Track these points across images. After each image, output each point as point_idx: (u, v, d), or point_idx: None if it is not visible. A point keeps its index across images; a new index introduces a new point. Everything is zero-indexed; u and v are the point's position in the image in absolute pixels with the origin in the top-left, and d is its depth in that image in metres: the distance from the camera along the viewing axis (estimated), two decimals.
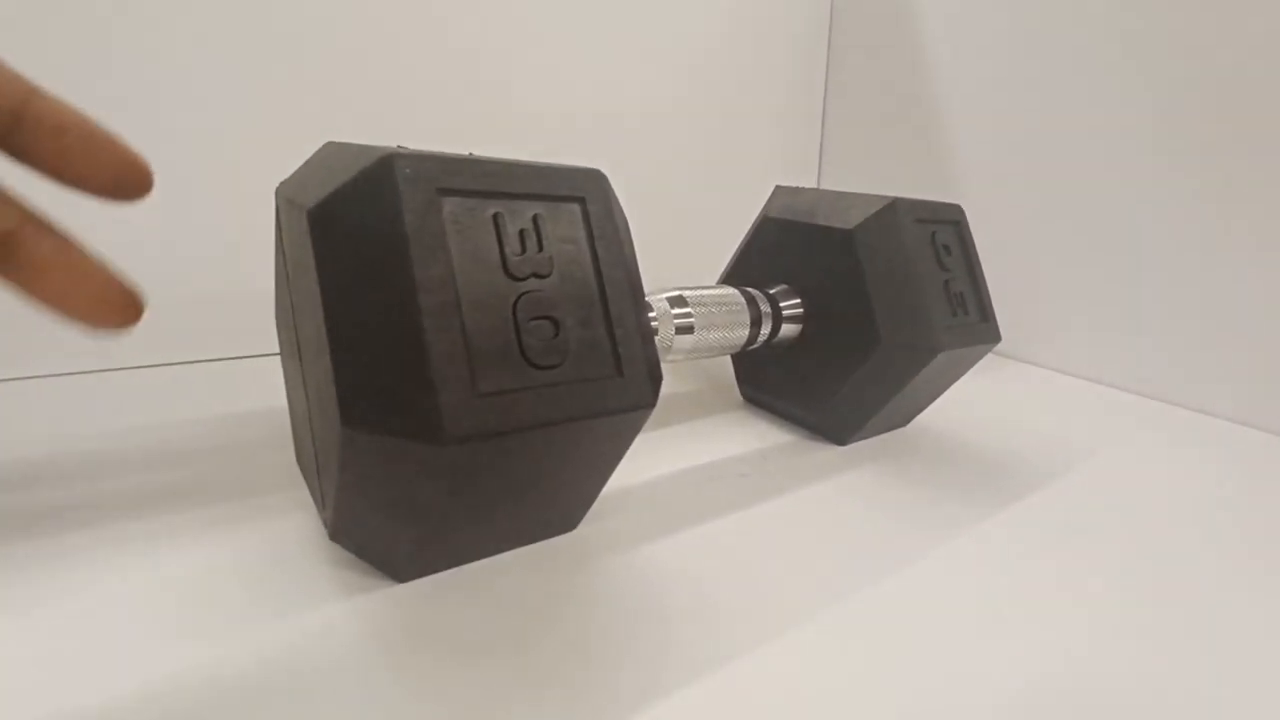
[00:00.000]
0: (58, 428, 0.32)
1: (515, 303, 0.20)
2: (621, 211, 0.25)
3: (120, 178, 0.17)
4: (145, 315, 0.18)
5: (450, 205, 0.20)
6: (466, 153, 0.23)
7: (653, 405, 0.22)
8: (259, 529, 0.25)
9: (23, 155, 0.17)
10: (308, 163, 0.24)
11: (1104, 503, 0.33)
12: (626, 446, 0.24)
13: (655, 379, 0.23)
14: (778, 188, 0.40)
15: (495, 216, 0.20)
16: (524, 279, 0.20)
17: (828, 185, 0.73)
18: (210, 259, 0.41)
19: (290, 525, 0.25)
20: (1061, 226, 0.54)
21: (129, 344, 0.39)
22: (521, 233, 0.21)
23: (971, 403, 0.45)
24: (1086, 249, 0.53)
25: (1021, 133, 0.56)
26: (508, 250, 0.20)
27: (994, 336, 0.37)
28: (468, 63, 0.48)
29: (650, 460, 0.33)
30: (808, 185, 0.70)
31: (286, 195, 0.22)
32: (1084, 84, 0.51)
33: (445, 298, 0.19)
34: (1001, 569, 0.27)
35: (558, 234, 0.22)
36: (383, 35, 0.45)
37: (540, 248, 0.21)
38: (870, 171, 0.69)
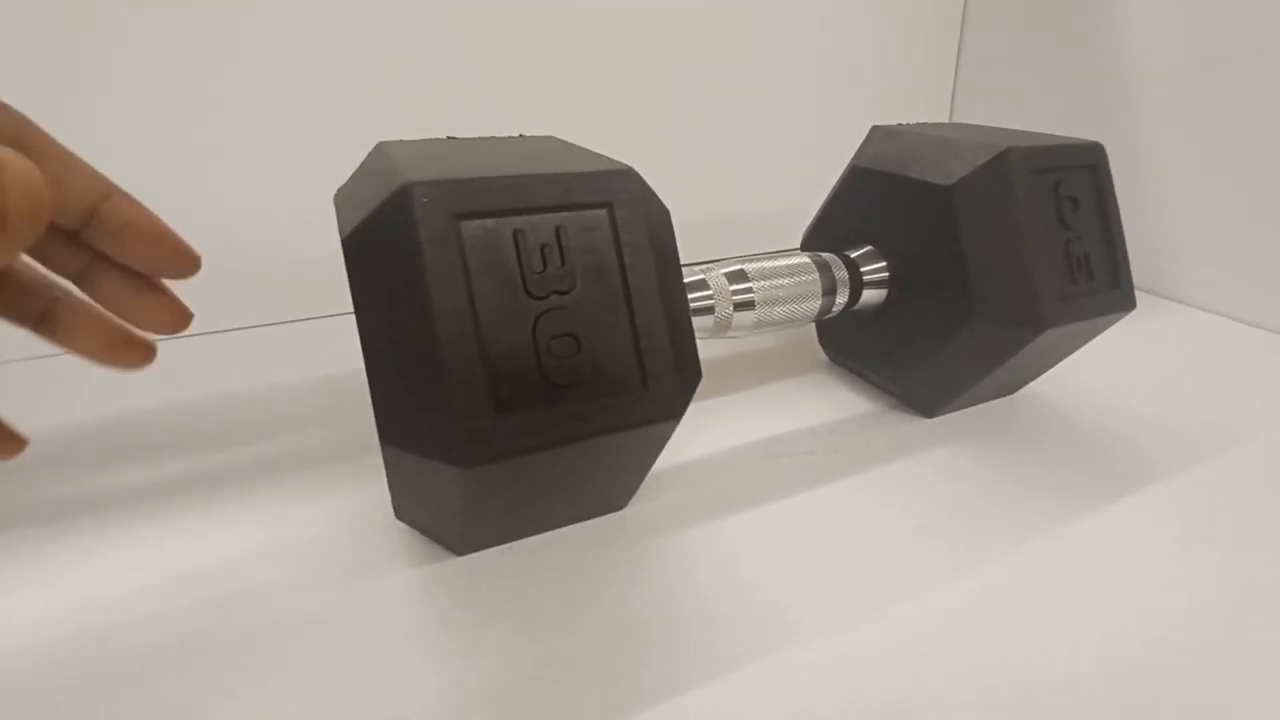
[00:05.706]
0: (153, 395, 0.33)
1: (535, 323, 0.20)
2: (661, 209, 0.23)
3: (168, 264, 0.23)
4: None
5: (469, 229, 0.20)
6: (506, 136, 0.22)
7: (679, 416, 0.22)
8: (344, 495, 0.27)
9: (94, 244, 0.22)
10: (360, 168, 0.25)
11: (1263, 496, 0.27)
12: (657, 452, 0.24)
13: (687, 386, 0.23)
14: (874, 129, 0.35)
15: (515, 234, 0.20)
16: (544, 297, 0.21)
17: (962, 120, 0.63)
18: (306, 221, 0.43)
19: (372, 492, 0.27)
20: (1233, 146, 0.44)
21: (216, 307, 0.43)
22: (543, 248, 0.21)
23: (1100, 359, 0.36)
24: (1263, 171, 0.42)
25: (1192, 44, 0.45)
26: (527, 269, 0.20)
27: (1125, 304, 0.32)
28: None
29: (715, 432, 0.32)
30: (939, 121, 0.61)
31: (339, 205, 0.24)
32: None
33: (463, 326, 0.19)
34: (1110, 576, 0.23)
35: (581, 245, 0.21)
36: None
37: (562, 262, 0.21)
38: (1007, 104, 0.59)
